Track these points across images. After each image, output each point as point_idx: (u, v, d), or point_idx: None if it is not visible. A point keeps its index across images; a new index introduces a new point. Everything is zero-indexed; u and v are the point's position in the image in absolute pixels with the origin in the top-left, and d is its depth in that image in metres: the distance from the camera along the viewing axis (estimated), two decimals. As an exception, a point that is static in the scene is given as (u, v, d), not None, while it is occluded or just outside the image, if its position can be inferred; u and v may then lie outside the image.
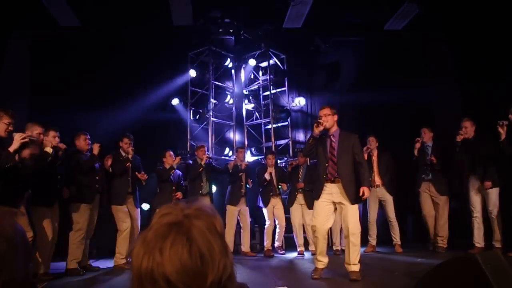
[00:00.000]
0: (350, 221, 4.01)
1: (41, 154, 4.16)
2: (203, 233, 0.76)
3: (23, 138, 3.69)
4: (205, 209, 0.81)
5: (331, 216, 4.19)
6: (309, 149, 4.31)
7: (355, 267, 4.00)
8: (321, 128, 4.09)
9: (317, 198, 4.15)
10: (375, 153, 6.31)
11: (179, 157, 6.20)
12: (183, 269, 0.71)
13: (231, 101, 8.26)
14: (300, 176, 6.43)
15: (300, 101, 8.12)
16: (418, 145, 5.91)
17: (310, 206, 6.18)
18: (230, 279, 0.77)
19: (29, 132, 4.08)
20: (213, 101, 7.98)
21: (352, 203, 4.03)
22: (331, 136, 4.21)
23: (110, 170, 5.37)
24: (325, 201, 4.12)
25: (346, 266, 4.06)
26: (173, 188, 5.99)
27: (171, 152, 6.13)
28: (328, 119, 4.16)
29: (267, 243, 6.45)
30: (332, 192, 4.09)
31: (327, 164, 4.12)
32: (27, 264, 0.91)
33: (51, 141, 4.52)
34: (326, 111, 4.22)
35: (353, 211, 4.05)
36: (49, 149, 4.22)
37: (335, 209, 4.18)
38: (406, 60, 7.85)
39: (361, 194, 4.03)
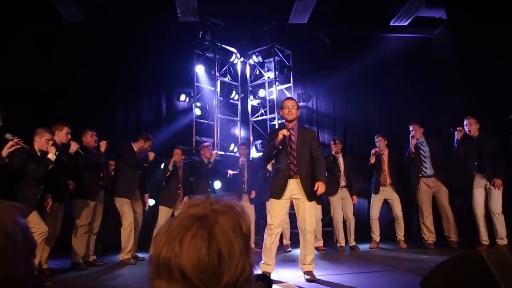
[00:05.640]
0: (308, 219, 3.86)
1: (44, 161, 4.16)
2: (226, 231, 0.74)
3: (10, 147, 3.80)
4: (234, 207, 0.79)
5: (287, 215, 4.17)
6: (270, 156, 4.10)
7: (310, 267, 3.90)
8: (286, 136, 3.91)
9: (279, 197, 3.91)
10: (386, 152, 6.27)
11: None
12: (199, 264, 0.70)
13: (236, 97, 8.24)
14: None
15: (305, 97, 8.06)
16: (414, 141, 5.88)
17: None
18: (247, 282, 0.75)
19: (38, 138, 4.21)
20: (218, 97, 7.96)
21: (309, 199, 3.88)
22: (291, 130, 4.02)
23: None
24: (284, 199, 3.92)
25: (302, 266, 3.95)
26: (180, 185, 6.01)
27: (179, 150, 6.13)
28: (294, 112, 4.03)
29: None
30: (291, 188, 3.92)
31: (289, 161, 3.94)
32: (28, 259, 0.89)
33: (62, 139, 4.60)
34: (294, 103, 4.10)
35: (310, 208, 3.90)
36: (51, 156, 4.20)
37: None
38: (411, 57, 7.78)
39: (316, 189, 3.84)
